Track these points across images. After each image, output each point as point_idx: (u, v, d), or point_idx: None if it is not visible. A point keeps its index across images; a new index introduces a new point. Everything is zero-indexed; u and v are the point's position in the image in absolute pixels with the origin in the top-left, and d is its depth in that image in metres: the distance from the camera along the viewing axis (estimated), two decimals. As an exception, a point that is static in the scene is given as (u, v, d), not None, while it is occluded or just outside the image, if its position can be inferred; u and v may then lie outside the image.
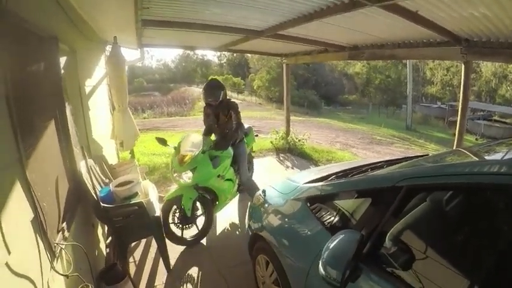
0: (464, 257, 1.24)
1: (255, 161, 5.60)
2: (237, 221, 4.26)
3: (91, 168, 3.02)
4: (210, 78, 4.14)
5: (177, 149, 3.70)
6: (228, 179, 3.94)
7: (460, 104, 4.00)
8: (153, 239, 3.21)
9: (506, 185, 1.14)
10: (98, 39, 4.60)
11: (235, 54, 43.82)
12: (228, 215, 4.32)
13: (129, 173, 3.82)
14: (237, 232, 4.01)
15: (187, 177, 3.55)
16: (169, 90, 42.41)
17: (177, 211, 3.58)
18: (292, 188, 2.53)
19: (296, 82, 31.32)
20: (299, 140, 7.83)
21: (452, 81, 31.39)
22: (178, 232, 3.57)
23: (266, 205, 2.68)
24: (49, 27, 2.20)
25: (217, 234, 3.95)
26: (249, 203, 3.09)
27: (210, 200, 3.73)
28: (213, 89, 3.90)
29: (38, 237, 1.50)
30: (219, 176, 3.73)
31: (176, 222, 3.59)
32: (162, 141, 3.81)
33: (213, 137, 4.17)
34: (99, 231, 3.05)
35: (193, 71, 58.94)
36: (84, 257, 2.05)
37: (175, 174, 3.60)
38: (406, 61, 25.21)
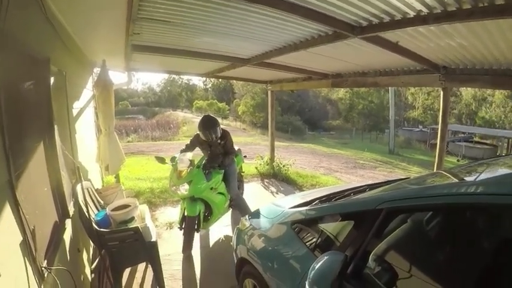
0: (446, 275, 1.30)
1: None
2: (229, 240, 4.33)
3: (88, 191, 3.00)
4: (203, 115, 4.54)
5: (175, 166, 4.05)
6: (220, 193, 4.32)
7: (440, 128, 4.14)
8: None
9: (483, 203, 1.22)
10: (87, 61, 4.62)
11: (220, 80, 44.38)
12: (220, 233, 4.55)
13: (116, 197, 3.79)
14: (228, 253, 4.03)
15: (184, 189, 3.91)
16: (154, 114, 42.46)
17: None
18: (277, 213, 2.56)
19: (280, 108, 31.72)
20: (283, 166, 7.87)
21: (434, 105, 32.06)
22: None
23: (252, 230, 2.70)
24: (42, 48, 2.23)
25: (209, 253, 4.07)
26: (235, 228, 3.08)
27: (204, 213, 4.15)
28: (213, 127, 4.15)
29: (27, 261, 1.48)
30: (211, 188, 4.11)
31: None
32: (161, 160, 4.37)
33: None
34: (84, 256, 2.99)
35: (179, 95, 59.21)
36: (71, 282, 2.01)
37: (173, 188, 3.97)
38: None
